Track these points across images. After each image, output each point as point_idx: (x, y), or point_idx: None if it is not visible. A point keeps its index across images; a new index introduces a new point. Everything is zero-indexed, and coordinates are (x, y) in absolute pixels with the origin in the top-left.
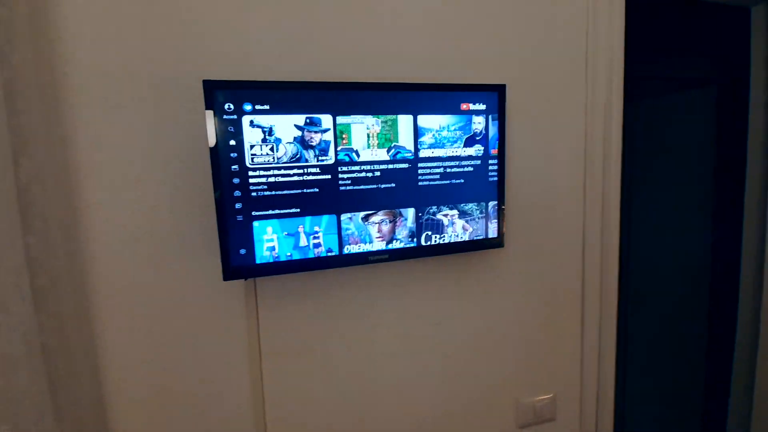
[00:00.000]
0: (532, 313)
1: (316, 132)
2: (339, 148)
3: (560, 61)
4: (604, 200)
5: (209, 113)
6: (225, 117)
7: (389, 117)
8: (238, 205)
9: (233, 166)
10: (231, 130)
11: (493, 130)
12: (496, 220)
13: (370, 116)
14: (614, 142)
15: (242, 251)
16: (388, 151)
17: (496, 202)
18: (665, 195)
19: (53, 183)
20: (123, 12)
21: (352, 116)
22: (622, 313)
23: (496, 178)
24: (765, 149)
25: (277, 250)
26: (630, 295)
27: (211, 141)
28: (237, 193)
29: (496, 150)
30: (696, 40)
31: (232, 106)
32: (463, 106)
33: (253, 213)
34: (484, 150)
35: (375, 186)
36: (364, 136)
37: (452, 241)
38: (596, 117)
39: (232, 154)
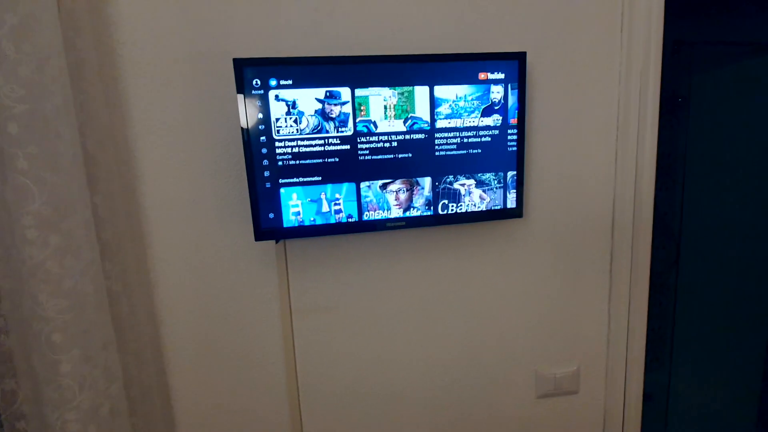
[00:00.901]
0: (554, 285)
1: (335, 104)
2: (357, 120)
3: (589, 24)
4: (638, 173)
5: (239, 89)
6: (253, 92)
7: (406, 89)
8: (266, 173)
9: (261, 138)
10: (258, 105)
11: (512, 100)
12: (515, 191)
13: (387, 88)
14: (650, 113)
15: (271, 215)
16: (404, 122)
17: (515, 172)
18: (727, 176)
19: (114, 152)
20: None
21: (369, 89)
22: (671, 296)
23: (515, 148)
24: None
25: (301, 215)
26: (682, 276)
27: (241, 115)
28: (265, 162)
29: (516, 119)
30: None
31: (259, 82)
32: (481, 76)
33: (280, 181)
34: (502, 120)
35: (392, 156)
36: (381, 107)
37: (469, 210)
38: (631, 86)
39: (260, 127)
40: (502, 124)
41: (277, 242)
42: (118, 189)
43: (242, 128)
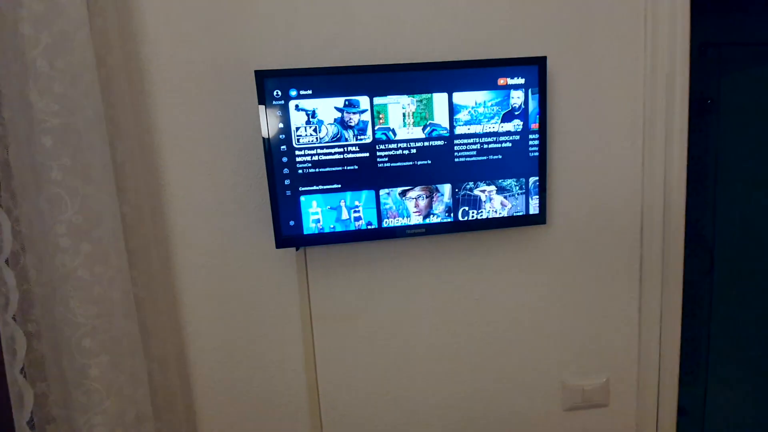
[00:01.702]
0: (580, 293)
1: (354, 113)
2: (376, 128)
3: (612, 27)
4: (667, 179)
5: (260, 99)
6: (274, 102)
7: (424, 96)
8: (287, 182)
9: (282, 147)
10: (279, 114)
11: (533, 105)
12: (537, 197)
13: (405, 96)
14: (678, 115)
15: (291, 223)
16: (423, 129)
17: (537, 178)
18: (761, 179)
19: (142, 163)
20: (190, 16)
21: (388, 97)
22: (706, 303)
23: (537, 154)
24: None
25: (321, 223)
26: (717, 285)
27: (263, 124)
28: (285, 171)
29: (537, 125)
30: None
31: (279, 93)
32: (501, 81)
33: (300, 188)
34: (523, 125)
35: (411, 163)
36: (400, 115)
37: (490, 216)
38: (657, 89)
39: (280, 136)
40: (522, 129)
41: (297, 249)
42: (145, 199)
43: (263, 138)
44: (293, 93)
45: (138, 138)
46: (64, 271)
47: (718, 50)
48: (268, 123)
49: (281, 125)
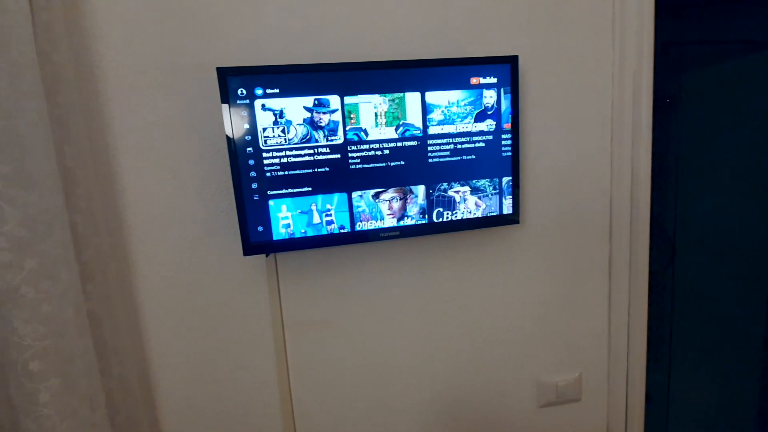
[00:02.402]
0: (554, 291)
1: (324, 113)
2: (347, 128)
3: (581, 27)
4: (634, 176)
5: (223, 98)
6: (239, 102)
7: (396, 95)
8: (254, 185)
9: (248, 148)
10: (244, 115)
11: (505, 104)
12: (510, 196)
13: (377, 95)
14: (644, 113)
15: (260, 228)
16: (396, 129)
17: (510, 178)
18: (720, 174)
19: (95, 168)
20: (146, 9)
21: (359, 96)
22: (668, 293)
23: (510, 153)
24: None
25: (292, 228)
26: (678, 276)
27: (227, 125)
28: (252, 174)
29: (510, 124)
30: None
31: (244, 91)
32: (473, 80)
33: (268, 192)
34: (496, 125)
35: (384, 164)
36: (372, 115)
37: (465, 217)
38: (624, 87)
39: (246, 137)
40: (495, 129)
41: (267, 256)
42: (100, 206)
43: (228, 139)
44: (259, 92)
45: (90, 141)
46: (5, 289)
47: (680, 49)
48: (233, 124)
49: (247, 126)
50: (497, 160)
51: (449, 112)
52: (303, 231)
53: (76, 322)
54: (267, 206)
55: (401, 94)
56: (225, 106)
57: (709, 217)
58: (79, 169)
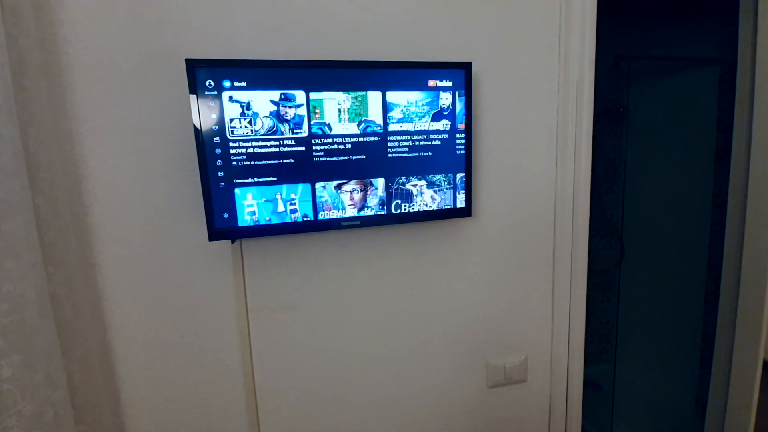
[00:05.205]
0: (503, 279)
1: (290, 107)
2: (312, 122)
3: (530, 38)
4: (576, 176)
5: (191, 89)
6: (207, 93)
7: (359, 93)
8: (220, 174)
9: (215, 138)
10: (212, 105)
11: (460, 106)
12: (464, 191)
13: (341, 92)
14: (585, 121)
15: (225, 215)
16: (358, 125)
17: (463, 174)
18: (665, 179)
19: (59, 152)
20: None
21: (324, 92)
22: (615, 287)
23: (463, 152)
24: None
25: (257, 215)
26: (624, 273)
27: (194, 115)
28: (219, 162)
29: (464, 125)
30: (697, 17)
31: (212, 83)
32: (431, 83)
33: (235, 181)
34: (451, 124)
35: (346, 157)
36: (335, 110)
37: (421, 209)
38: (569, 95)
39: (214, 127)
40: (450, 128)
41: (232, 242)
42: (63, 190)
43: (195, 129)
44: (227, 84)
45: (54, 125)
46: None
47: (628, 63)
48: (201, 114)
49: (214, 116)
50: (452, 157)
51: (408, 111)
52: (268, 219)
53: (37, 301)
54: (233, 194)
55: (364, 93)
56: (193, 97)
57: (654, 218)
58: (43, 153)
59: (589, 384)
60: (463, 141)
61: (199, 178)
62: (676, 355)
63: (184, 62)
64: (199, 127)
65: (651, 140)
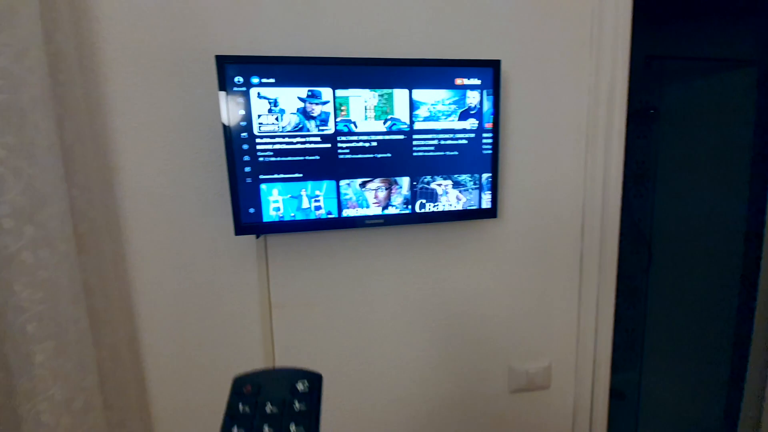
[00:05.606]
0: (528, 283)
1: (316, 104)
2: (338, 119)
3: (561, 37)
4: (606, 179)
5: (221, 85)
6: (235, 89)
7: (385, 91)
8: (247, 169)
9: (243, 134)
10: (240, 101)
11: (487, 105)
12: (489, 192)
13: (367, 90)
14: (617, 122)
15: (251, 210)
16: (384, 123)
17: (489, 174)
18: (695, 183)
19: (93, 145)
20: None
21: (350, 90)
22: (644, 300)
23: (490, 151)
24: None
25: (282, 211)
26: (653, 280)
27: (223, 111)
28: (246, 158)
29: (491, 124)
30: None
31: (241, 79)
32: (458, 81)
33: (260, 176)
34: (478, 124)
35: (372, 155)
36: (361, 108)
37: (446, 209)
38: (600, 96)
39: (242, 123)
40: (477, 128)
41: (257, 237)
42: (96, 182)
43: (224, 125)
44: (255, 80)
45: (89, 119)
46: (7, 254)
47: (661, 63)
48: (229, 110)
49: (242, 112)
50: (478, 157)
51: (435, 110)
52: (292, 215)
53: (70, 289)
54: (259, 189)
55: (390, 90)
56: (222, 93)
57: (685, 223)
58: (78, 145)
59: (611, 392)
60: (490, 141)
61: (226, 173)
62: (705, 366)
63: (212, 58)
64: (227, 123)
65: (683, 143)
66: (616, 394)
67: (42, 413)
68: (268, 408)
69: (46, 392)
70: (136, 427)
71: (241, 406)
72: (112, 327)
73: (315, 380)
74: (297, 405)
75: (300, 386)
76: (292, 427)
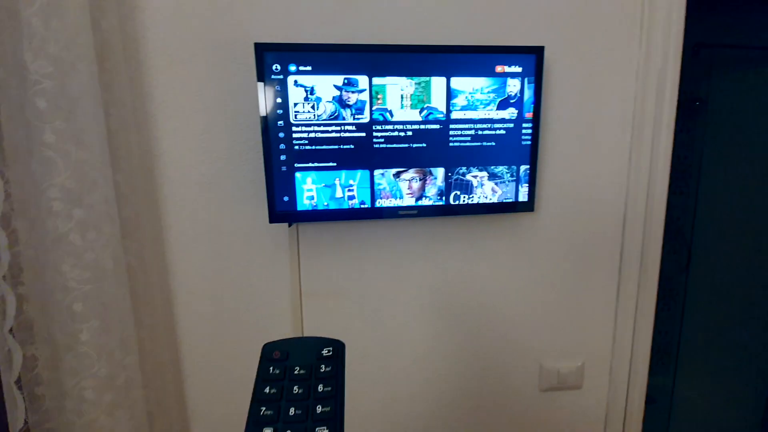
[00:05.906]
0: (562, 280)
1: (352, 92)
2: (374, 108)
3: (609, 23)
4: (652, 175)
5: (259, 73)
6: (273, 77)
7: (422, 79)
8: (282, 157)
9: (279, 122)
10: (277, 89)
11: (528, 94)
12: (527, 184)
13: (404, 78)
14: (666, 114)
15: (285, 198)
16: (420, 112)
17: (528, 167)
18: (741, 181)
19: (137, 131)
20: None
21: (386, 78)
22: (680, 301)
23: (529, 142)
24: None
25: (315, 200)
26: (692, 281)
27: (260, 99)
28: (282, 146)
29: (531, 114)
30: None
31: (278, 67)
32: (498, 69)
33: (295, 165)
34: (518, 113)
35: (407, 145)
36: (398, 96)
37: (481, 202)
38: (648, 86)
39: (278, 111)
40: (517, 117)
41: (290, 225)
42: (139, 168)
43: (261, 113)
44: (293, 68)
45: (133, 106)
46: (56, 235)
47: (710, 52)
48: (266, 97)
49: (279, 100)
50: (516, 148)
51: (473, 99)
52: (326, 204)
53: (115, 271)
54: (293, 178)
55: (427, 78)
56: (260, 81)
57: (728, 223)
58: (122, 132)
59: None
60: (530, 131)
61: (261, 160)
62: (744, 374)
63: (250, 47)
64: (264, 111)
65: (731, 138)
66: (646, 398)
67: (86, 389)
68: (297, 371)
69: (91, 369)
70: (172, 406)
71: (271, 369)
72: (151, 308)
73: (339, 347)
74: (323, 368)
75: (325, 352)
76: (320, 387)
